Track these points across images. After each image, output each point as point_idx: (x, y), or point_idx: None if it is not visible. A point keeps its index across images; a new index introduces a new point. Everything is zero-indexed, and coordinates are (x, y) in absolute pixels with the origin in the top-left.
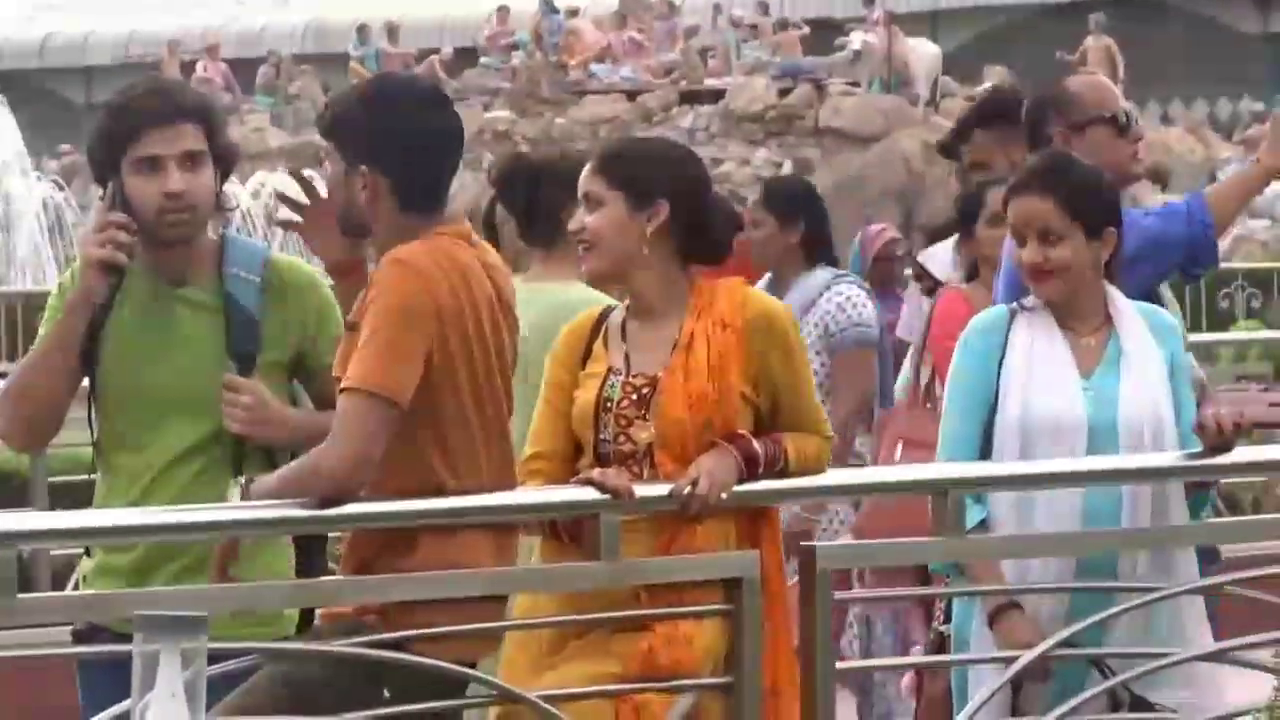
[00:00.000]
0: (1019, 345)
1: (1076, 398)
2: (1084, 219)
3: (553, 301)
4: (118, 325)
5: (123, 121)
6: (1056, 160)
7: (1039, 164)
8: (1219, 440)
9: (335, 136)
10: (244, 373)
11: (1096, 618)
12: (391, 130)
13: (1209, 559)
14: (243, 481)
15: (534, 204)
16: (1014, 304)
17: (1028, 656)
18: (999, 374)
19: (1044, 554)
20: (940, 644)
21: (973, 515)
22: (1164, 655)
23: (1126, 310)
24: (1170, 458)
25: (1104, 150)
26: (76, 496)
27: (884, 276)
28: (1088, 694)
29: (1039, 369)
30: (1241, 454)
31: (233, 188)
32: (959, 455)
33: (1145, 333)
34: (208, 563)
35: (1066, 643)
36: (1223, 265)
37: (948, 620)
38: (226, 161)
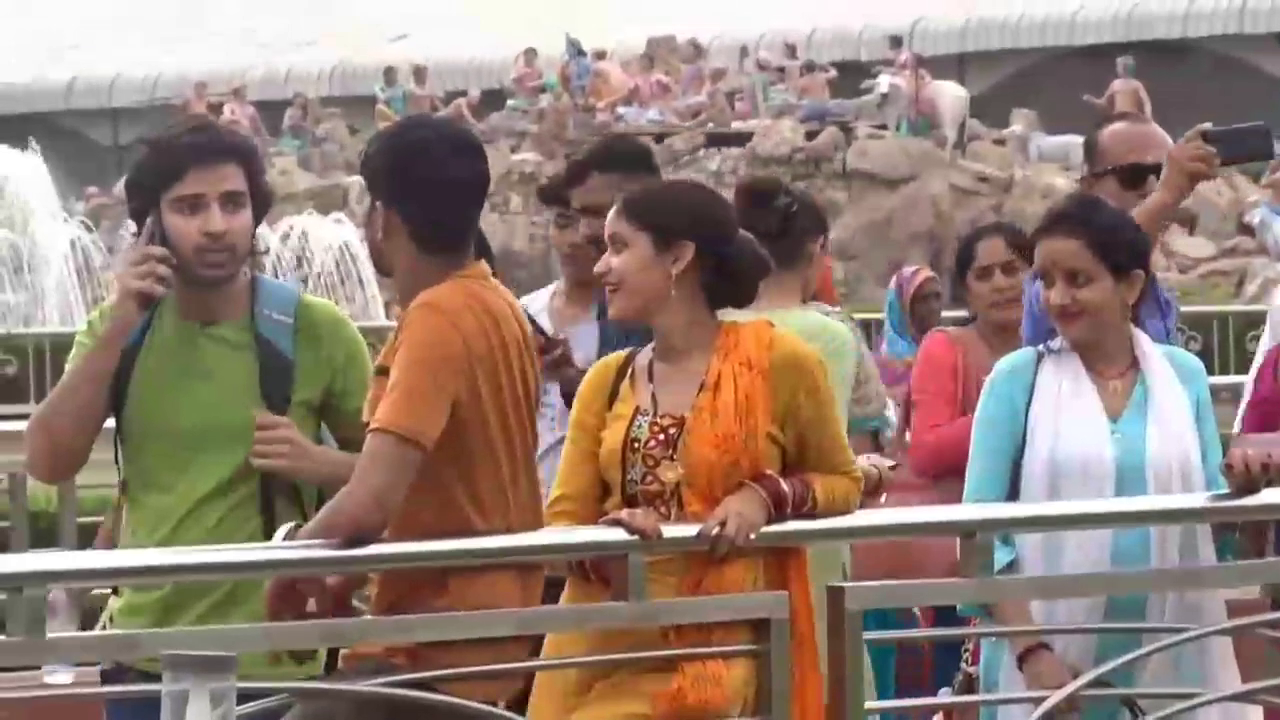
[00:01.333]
0: (1046, 387)
1: (1104, 441)
2: (1112, 260)
3: (796, 326)
4: (146, 363)
5: (166, 159)
6: (1084, 202)
7: (1067, 205)
8: (1247, 481)
9: (365, 174)
10: (276, 413)
11: (1125, 658)
12: (411, 172)
13: None
14: (290, 527)
15: (787, 228)
16: (1041, 347)
17: (1057, 696)
18: (1026, 416)
19: (1073, 595)
20: (969, 685)
21: (1000, 557)
22: (1194, 695)
23: (1152, 353)
24: (1198, 499)
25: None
26: None
27: (924, 316)
28: None
29: (1066, 412)
30: (1270, 495)
31: (262, 230)
32: (986, 496)
33: (1171, 375)
34: (237, 599)
35: (1096, 682)
36: (1251, 307)
37: (976, 661)
38: (263, 204)
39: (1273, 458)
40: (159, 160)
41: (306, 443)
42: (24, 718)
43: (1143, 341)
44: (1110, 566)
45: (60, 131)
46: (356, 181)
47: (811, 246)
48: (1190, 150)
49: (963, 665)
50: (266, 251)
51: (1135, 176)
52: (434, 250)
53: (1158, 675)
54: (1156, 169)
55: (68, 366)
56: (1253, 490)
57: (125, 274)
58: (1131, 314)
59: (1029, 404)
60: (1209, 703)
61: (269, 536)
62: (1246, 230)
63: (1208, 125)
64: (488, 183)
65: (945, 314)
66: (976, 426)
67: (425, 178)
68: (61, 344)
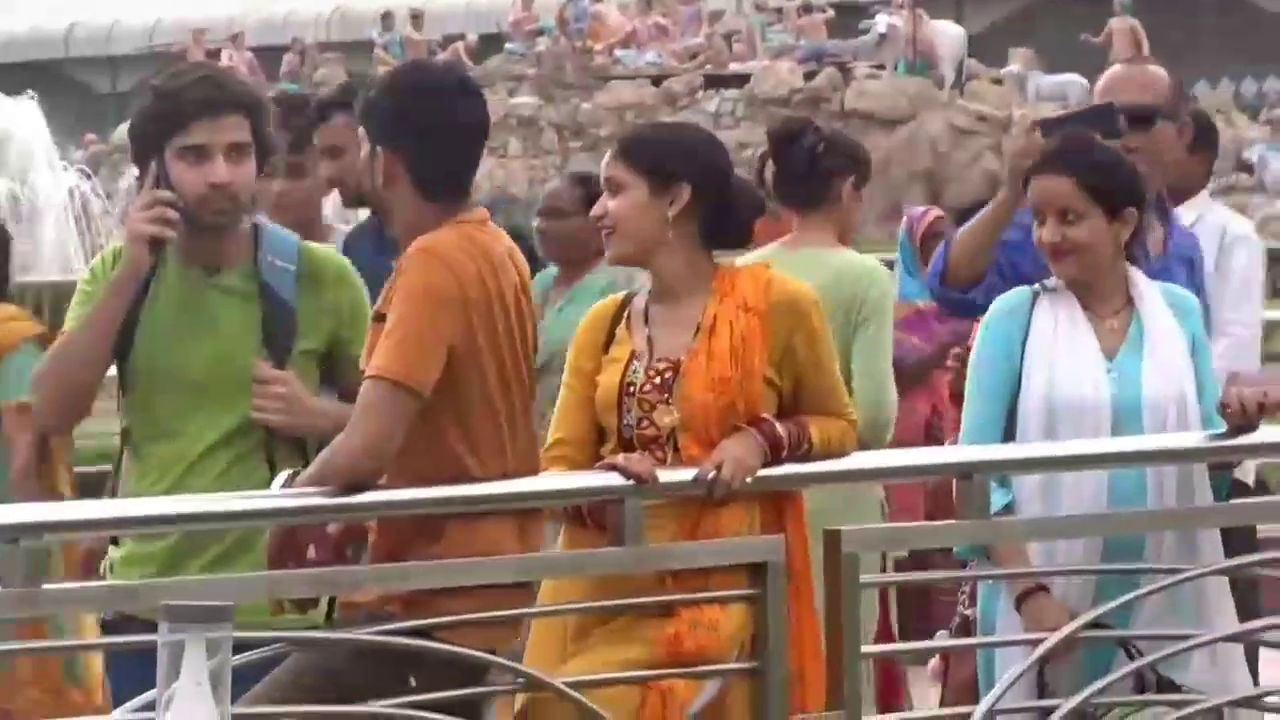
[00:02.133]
0: (1041, 327)
1: (1100, 379)
2: (1103, 199)
3: (835, 265)
4: (151, 312)
5: (171, 107)
6: (1076, 141)
7: (1059, 144)
8: (1243, 420)
9: (363, 117)
10: (278, 362)
11: (1121, 600)
12: (412, 116)
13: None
14: (288, 474)
15: (814, 167)
16: (1037, 286)
17: (1053, 639)
18: (1022, 356)
19: (1070, 535)
20: (966, 628)
21: (997, 499)
22: (1190, 636)
23: (1148, 291)
24: (1194, 438)
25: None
26: (103, 488)
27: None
28: (1115, 675)
29: (1062, 351)
30: (1266, 434)
31: None
32: (983, 438)
33: (1167, 313)
34: (245, 546)
35: (1094, 623)
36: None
37: (973, 604)
38: (266, 152)
39: (1269, 396)
40: (164, 108)
41: (306, 397)
42: None
43: (1139, 280)
44: (1107, 507)
45: (59, 79)
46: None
47: (840, 185)
48: (1025, 147)
49: (960, 608)
50: None
51: (1139, 117)
52: (435, 196)
53: (1154, 617)
54: (1156, 111)
55: (70, 313)
56: (1249, 429)
57: (134, 218)
58: (1128, 252)
59: (1024, 343)
60: (1207, 643)
61: None
62: (1245, 168)
63: (1044, 116)
64: (488, 127)
65: None
66: (972, 368)
67: (427, 122)
68: (62, 292)
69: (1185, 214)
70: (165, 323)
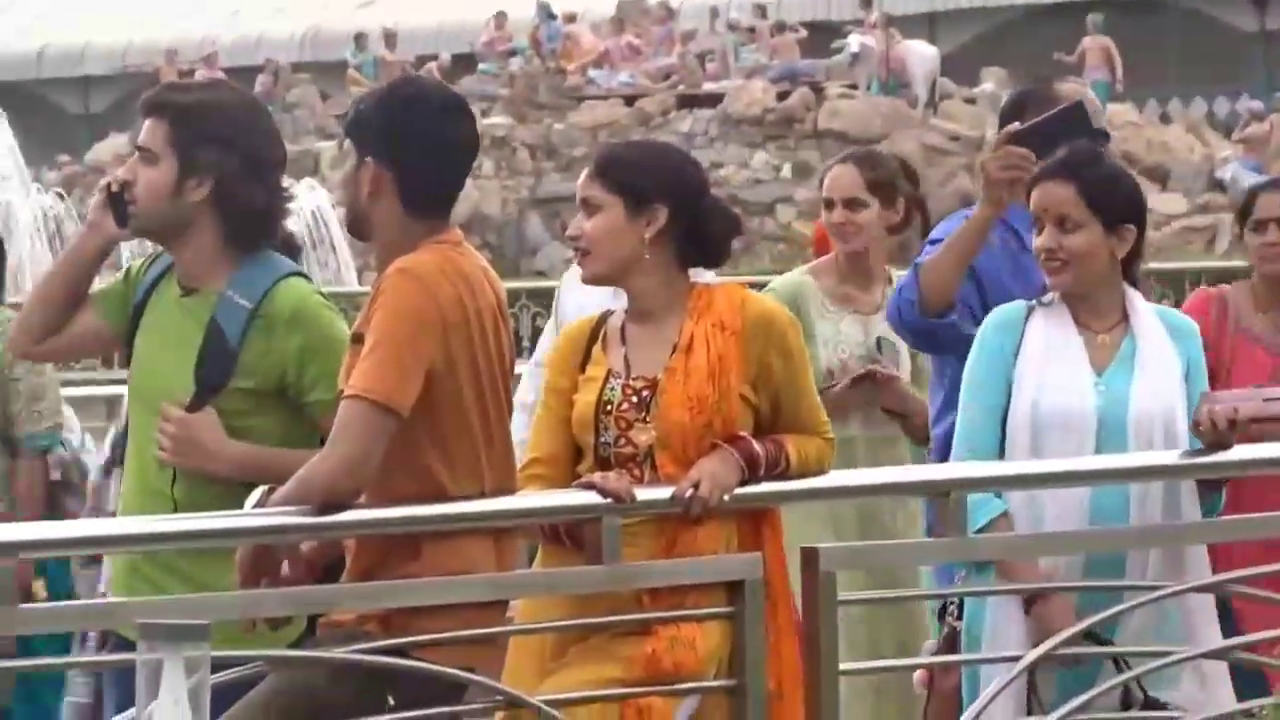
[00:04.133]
0: (1033, 340)
1: (1088, 394)
2: (1103, 210)
3: None
4: (142, 322)
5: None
6: (1084, 151)
7: (1066, 153)
8: (1216, 437)
9: (353, 130)
10: (205, 397)
11: (1109, 613)
12: (406, 129)
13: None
14: (263, 492)
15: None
16: (1033, 301)
17: (1034, 654)
18: (1015, 369)
19: (1049, 554)
20: (952, 640)
21: (996, 506)
22: (1173, 652)
23: (1144, 310)
24: (1171, 456)
25: None
26: None
27: None
28: (1100, 689)
29: (1052, 364)
30: (1241, 451)
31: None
32: (976, 447)
33: (1162, 333)
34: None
35: (1084, 634)
36: (1224, 264)
37: (959, 616)
38: (194, 160)
39: (1239, 412)
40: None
41: (208, 441)
42: None
43: (1135, 299)
44: (1089, 523)
45: (30, 100)
46: (328, 147)
47: None
48: (1001, 159)
49: (947, 618)
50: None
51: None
52: (420, 212)
53: (1139, 633)
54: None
55: None
56: (1224, 446)
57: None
58: (1127, 273)
59: (1017, 356)
60: (1190, 659)
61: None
62: (1218, 186)
63: (1014, 126)
64: (477, 147)
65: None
66: (966, 379)
67: (424, 138)
68: None
69: None
70: (143, 336)
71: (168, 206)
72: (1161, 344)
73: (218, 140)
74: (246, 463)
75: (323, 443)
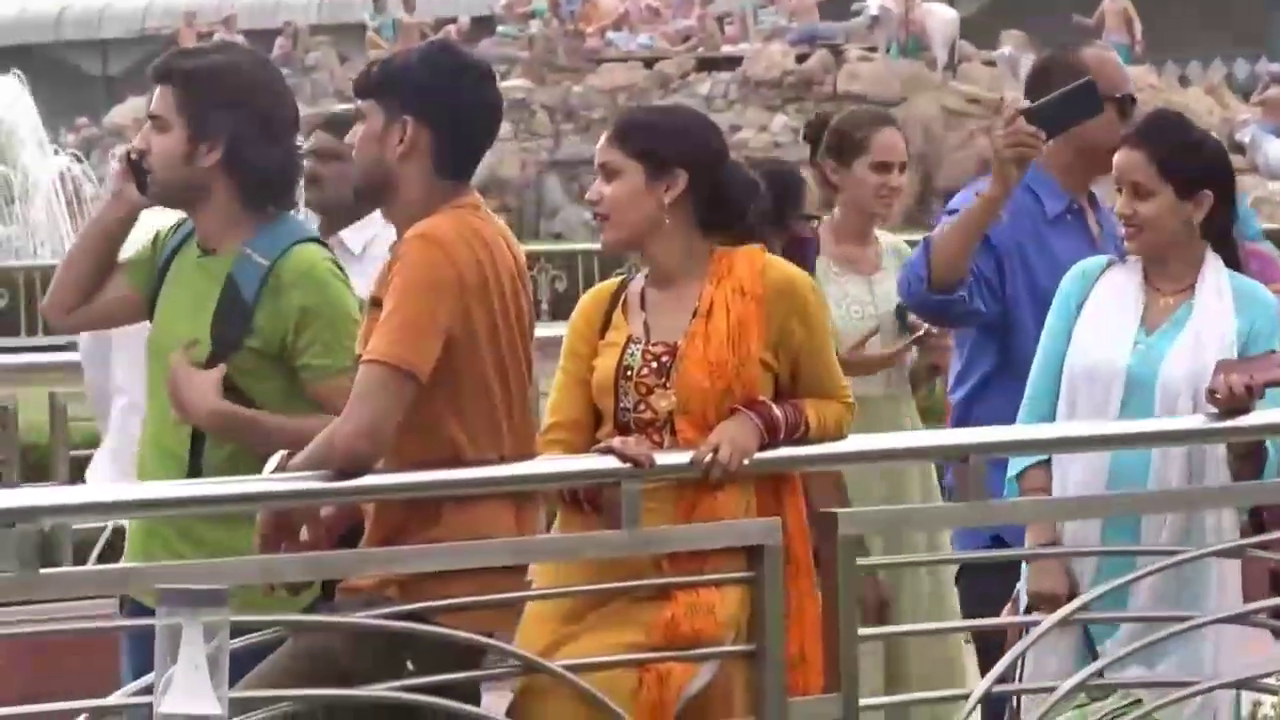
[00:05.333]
0: (1099, 295)
1: (1124, 350)
2: (1176, 177)
3: None
4: (165, 285)
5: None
6: (1162, 118)
7: (1146, 119)
8: (1232, 403)
9: (384, 89)
10: (221, 354)
11: (1110, 585)
12: (452, 94)
13: None
14: (282, 455)
15: None
16: (1114, 255)
17: (1046, 625)
18: (1077, 321)
19: (1072, 517)
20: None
21: (1022, 462)
22: (1188, 618)
23: (1214, 276)
24: (1192, 421)
25: (1104, 129)
26: None
27: None
28: (1088, 670)
29: (1104, 319)
30: (1264, 416)
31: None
32: (1035, 404)
33: (1224, 299)
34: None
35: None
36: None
37: None
38: (202, 127)
39: (1254, 378)
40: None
41: (202, 395)
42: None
43: (1211, 263)
44: (1106, 485)
45: (49, 62)
46: (345, 109)
47: None
48: (1011, 137)
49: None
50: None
51: (1128, 106)
52: (449, 174)
53: (1154, 600)
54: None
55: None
56: (1242, 412)
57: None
58: (1216, 234)
59: (1080, 309)
60: (1197, 626)
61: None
62: (1237, 149)
63: (1023, 104)
64: (501, 114)
65: None
66: (1045, 331)
67: (467, 105)
68: (52, 276)
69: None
70: (165, 296)
71: (182, 172)
72: (1219, 310)
73: (226, 104)
74: (226, 422)
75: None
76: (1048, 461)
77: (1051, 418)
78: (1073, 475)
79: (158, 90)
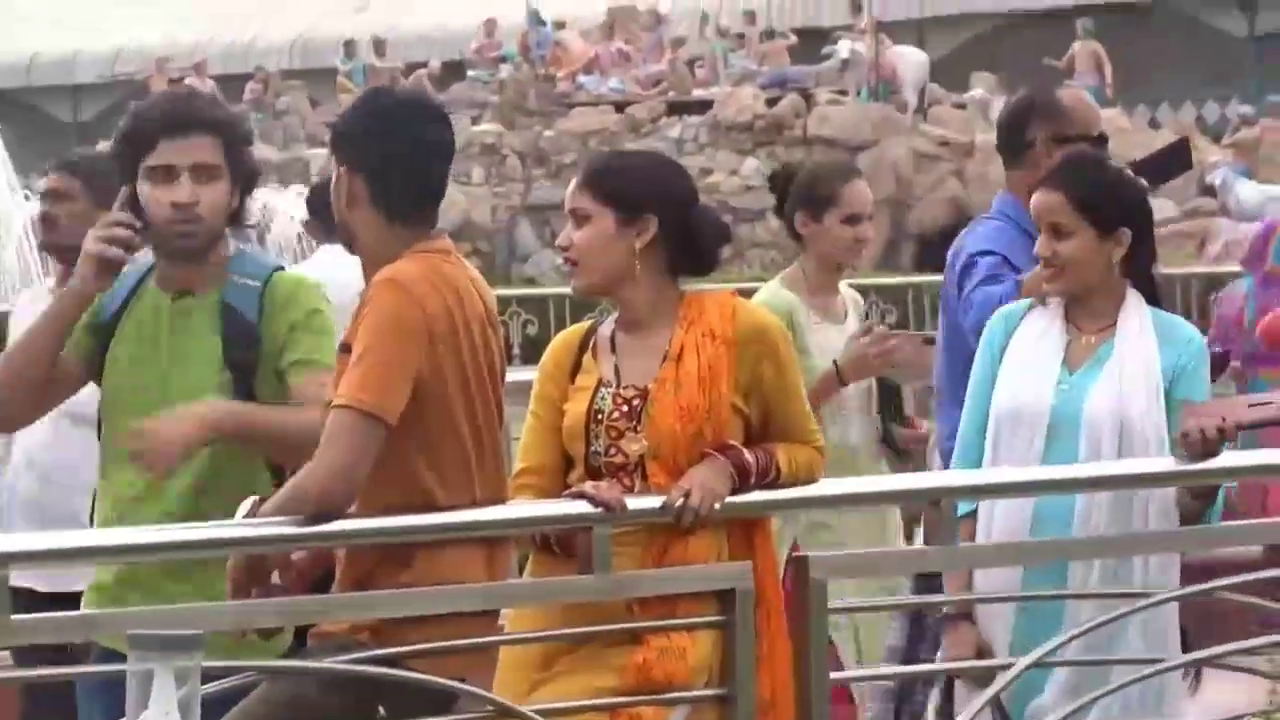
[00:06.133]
0: (1021, 338)
1: (1046, 390)
2: (1094, 217)
3: None
4: (122, 336)
5: (141, 127)
6: (1078, 158)
7: (1063, 160)
8: (1205, 448)
9: (332, 143)
10: (241, 381)
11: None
12: (377, 138)
13: None
14: (253, 502)
15: None
16: (1037, 299)
17: (1008, 677)
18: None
19: (1038, 560)
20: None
21: (960, 508)
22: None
23: (1136, 313)
24: (1162, 464)
25: None
26: None
27: None
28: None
29: (1026, 361)
30: (1228, 459)
31: (258, 201)
32: (965, 447)
33: (1147, 337)
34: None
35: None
36: (1213, 269)
37: None
38: (246, 177)
39: (1228, 421)
40: (134, 128)
41: (220, 406)
42: None
43: (1133, 302)
44: (1030, 528)
45: (20, 108)
46: (318, 154)
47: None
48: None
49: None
50: (255, 226)
51: (1103, 147)
52: (397, 219)
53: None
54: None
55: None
56: (1212, 455)
57: (89, 237)
58: (1135, 272)
59: (1004, 352)
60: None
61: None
62: (1208, 191)
63: (1134, 158)
64: (452, 151)
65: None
66: (971, 379)
67: (390, 143)
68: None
69: None
70: (130, 347)
71: (224, 222)
72: (1140, 347)
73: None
74: (226, 419)
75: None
76: (974, 514)
77: (980, 463)
78: (996, 521)
79: (203, 139)
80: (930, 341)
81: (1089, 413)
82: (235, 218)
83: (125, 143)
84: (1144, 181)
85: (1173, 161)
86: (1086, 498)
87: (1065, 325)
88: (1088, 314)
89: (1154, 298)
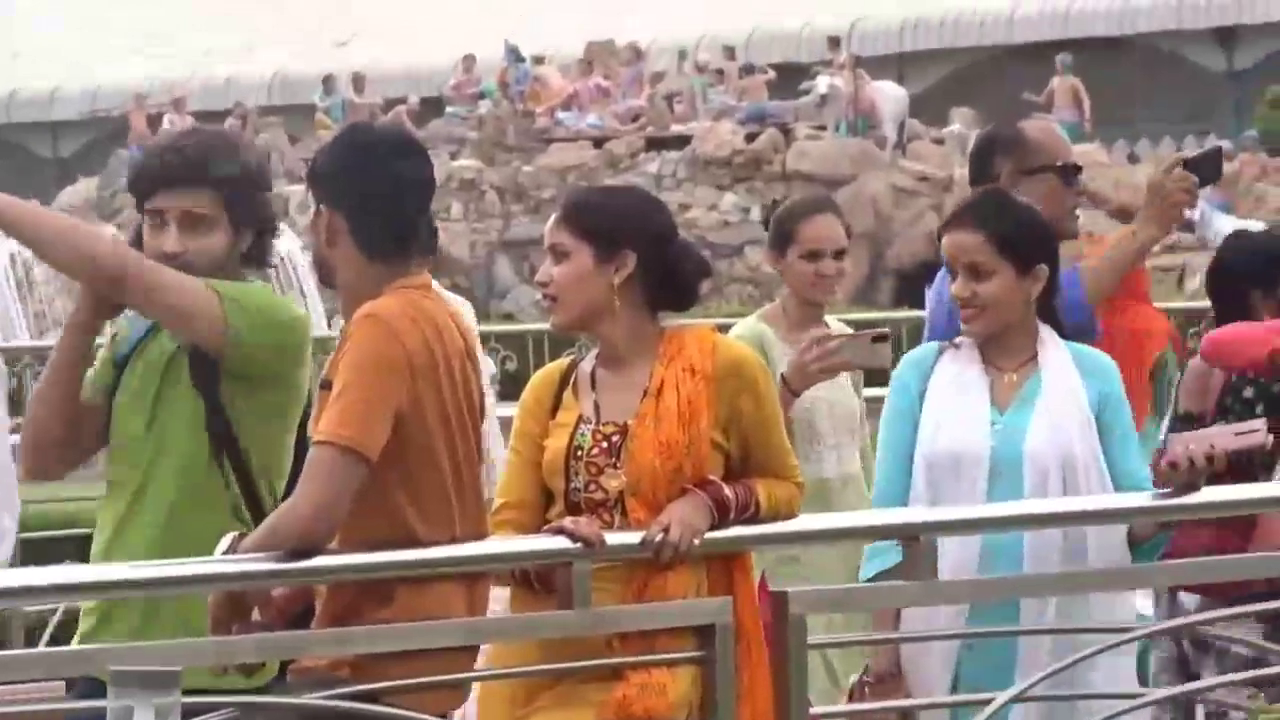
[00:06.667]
0: (939, 381)
1: (982, 433)
2: (1014, 255)
3: None
4: (130, 372)
5: (143, 171)
6: (990, 197)
7: (973, 200)
8: (1191, 477)
9: (310, 182)
10: (208, 393)
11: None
12: (355, 175)
13: None
14: (232, 538)
15: None
16: (945, 341)
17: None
18: (921, 410)
19: (1015, 595)
20: None
21: (892, 558)
22: (1135, 696)
23: (1054, 348)
24: (1141, 498)
25: (1048, 199)
26: (48, 554)
27: None
28: None
29: (953, 404)
30: (1210, 494)
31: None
32: (891, 490)
33: (1070, 370)
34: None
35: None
36: (1193, 304)
37: None
38: (262, 221)
39: (1214, 449)
40: (139, 170)
41: None
42: None
43: (1047, 337)
44: (979, 565)
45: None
46: (297, 191)
47: None
48: (1177, 183)
49: None
50: (274, 266)
51: (1071, 175)
52: (377, 256)
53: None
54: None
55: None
56: (1194, 488)
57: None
58: (1043, 309)
59: (923, 397)
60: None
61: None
62: (1187, 226)
63: (1185, 154)
64: (433, 187)
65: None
66: (882, 421)
67: (368, 180)
68: (4, 359)
69: None
70: (129, 385)
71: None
72: (1066, 381)
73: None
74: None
75: None
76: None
77: (903, 505)
78: (946, 559)
79: (196, 190)
80: (882, 338)
81: (1030, 451)
82: (251, 258)
83: (133, 182)
84: (1195, 179)
85: (1215, 165)
86: (1035, 534)
87: (983, 365)
88: (1004, 352)
89: (1061, 331)
